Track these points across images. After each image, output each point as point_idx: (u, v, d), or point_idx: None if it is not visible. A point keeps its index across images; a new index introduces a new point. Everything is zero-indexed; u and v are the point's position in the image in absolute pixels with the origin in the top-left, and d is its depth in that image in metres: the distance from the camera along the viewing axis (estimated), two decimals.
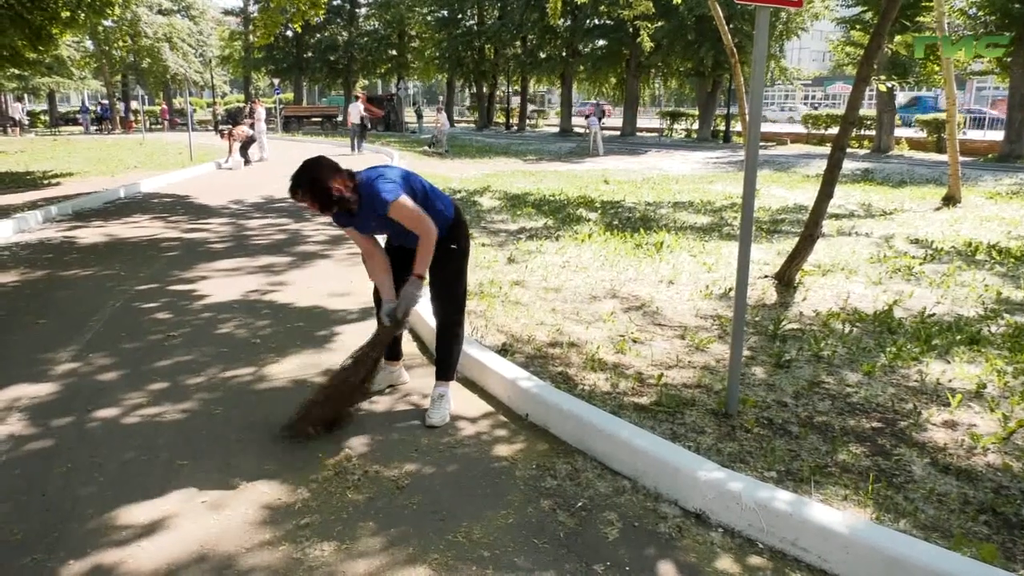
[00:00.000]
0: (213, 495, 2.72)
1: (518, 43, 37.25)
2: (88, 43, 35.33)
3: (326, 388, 3.32)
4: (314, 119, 38.21)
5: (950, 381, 3.77)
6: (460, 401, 3.59)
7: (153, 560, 2.33)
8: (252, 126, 17.78)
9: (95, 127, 36.57)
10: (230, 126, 18.19)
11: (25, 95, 43.85)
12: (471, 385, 3.81)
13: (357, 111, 21.03)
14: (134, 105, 39.35)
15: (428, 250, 3.17)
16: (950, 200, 10.62)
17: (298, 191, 3.02)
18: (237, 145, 16.86)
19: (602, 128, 24.42)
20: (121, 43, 33.74)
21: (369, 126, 22.38)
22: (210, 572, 2.28)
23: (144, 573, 2.27)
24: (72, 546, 2.40)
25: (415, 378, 3.89)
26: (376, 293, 3.46)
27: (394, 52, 42.47)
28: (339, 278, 6.14)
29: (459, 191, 11.66)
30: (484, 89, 41.64)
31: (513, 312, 4.88)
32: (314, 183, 3.02)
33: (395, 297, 3.30)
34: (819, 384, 3.71)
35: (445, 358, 3.47)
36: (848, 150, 5.81)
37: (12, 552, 2.37)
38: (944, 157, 16.15)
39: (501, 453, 3.08)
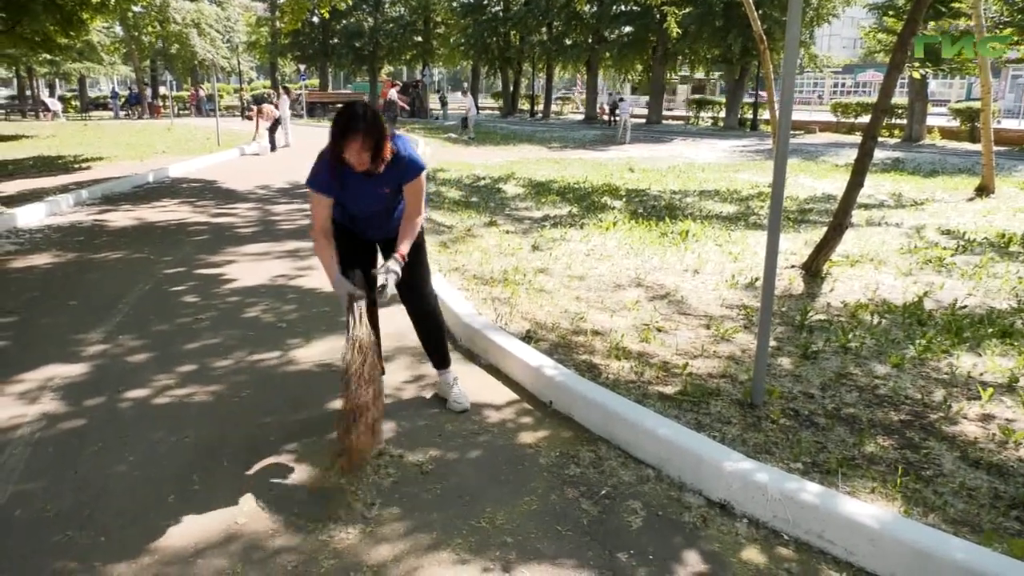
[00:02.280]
0: (240, 477, 2.76)
1: (544, 29, 37.02)
2: (118, 28, 35.67)
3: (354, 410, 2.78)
4: (339, 105, 38.33)
5: (981, 374, 3.71)
6: (484, 388, 3.60)
7: (181, 539, 2.37)
8: (276, 107, 17.68)
9: (123, 112, 37.00)
10: (257, 106, 18.02)
11: (56, 80, 44.42)
12: (495, 372, 3.81)
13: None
14: (162, 90, 39.74)
15: (415, 232, 3.07)
16: (983, 190, 10.41)
17: (364, 135, 2.72)
18: (265, 126, 16.80)
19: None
20: (150, 29, 34.02)
21: (398, 114, 22.95)
22: (237, 553, 2.31)
23: (172, 552, 2.31)
24: (103, 523, 2.45)
25: None
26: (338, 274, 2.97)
27: (419, 38, 42.44)
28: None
29: (484, 178, 11.64)
30: (509, 76, 41.50)
31: (537, 299, 4.88)
32: (382, 133, 2.77)
33: (341, 275, 2.93)
34: (847, 376, 3.66)
35: (440, 347, 3.43)
36: (878, 139, 5.71)
37: (46, 528, 2.42)
38: (977, 147, 15.81)
39: (525, 440, 3.08)
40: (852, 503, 2.37)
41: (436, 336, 3.43)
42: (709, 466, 2.65)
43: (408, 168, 3.00)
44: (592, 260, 6.06)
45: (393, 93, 21.99)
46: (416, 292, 3.31)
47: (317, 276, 5.71)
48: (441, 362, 3.47)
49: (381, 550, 2.33)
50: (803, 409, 3.26)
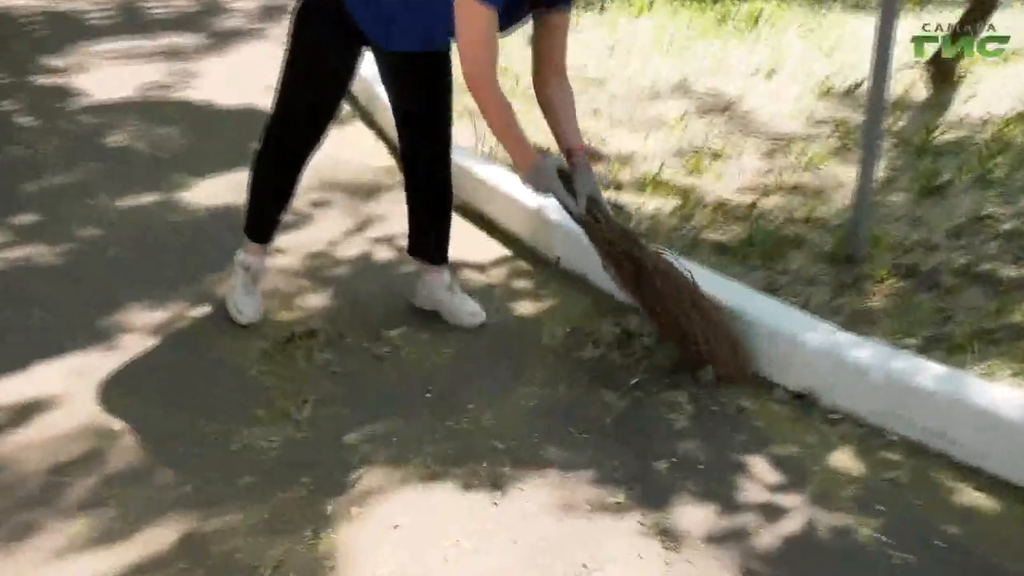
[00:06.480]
0: (111, 360, 2.80)
1: None
2: None
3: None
4: None
5: None
6: (467, 243, 3.57)
7: (46, 434, 2.40)
8: None
9: None
10: None
11: None
12: (478, 218, 3.82)
13: None
14: None
15: None
16: None
17: None
18: None
19: None
20: None
21: None
22: (107, 454, 2.34)
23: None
24: None
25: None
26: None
27: None
28: (276, 68, 6.01)
29: None
30: None
31: (536, 113, 4.77)
32: None
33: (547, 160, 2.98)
34: (986, 218, 3.66)
35: (447, 228, 3.16)
36: None
37: None
38: None
39: (522, 312, 3.12)
40: (987, 390, 2.40)
41: (448, 218, 3.16)
42: (785, 342, 2.68)
43: None
44: (617, 57, 5.95)
45: None
46: (439, 145, 3.08)
47: (208, 85, 5.60)
48: (444, 256, 3.16)
49: (313, 467, 2.35)
50: (922, 264, 3.27)
